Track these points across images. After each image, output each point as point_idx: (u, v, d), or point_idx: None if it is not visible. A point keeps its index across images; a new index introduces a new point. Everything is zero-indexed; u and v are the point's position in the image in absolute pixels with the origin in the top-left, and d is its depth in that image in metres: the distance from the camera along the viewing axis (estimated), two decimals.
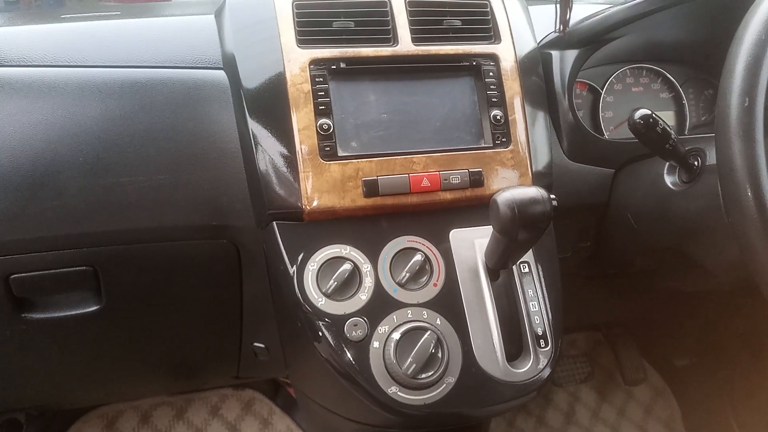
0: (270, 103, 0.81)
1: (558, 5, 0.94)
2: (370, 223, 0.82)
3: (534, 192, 0.69)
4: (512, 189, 0.70)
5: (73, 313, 0.88)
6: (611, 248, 1.04)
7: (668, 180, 0.87)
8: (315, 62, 0.82)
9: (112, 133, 0.80)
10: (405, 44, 0.86)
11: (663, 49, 1.07)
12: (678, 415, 1.70)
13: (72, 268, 0.83)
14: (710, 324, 1.52)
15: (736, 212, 0.60)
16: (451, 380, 0.77)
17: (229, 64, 0.84)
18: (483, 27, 0.90)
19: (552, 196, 0.70)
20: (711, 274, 0.88)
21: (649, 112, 0.76)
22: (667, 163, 0.88)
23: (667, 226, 0.88)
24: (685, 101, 1.09)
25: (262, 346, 1.02)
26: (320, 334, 0.77)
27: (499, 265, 0.80)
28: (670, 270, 1.01)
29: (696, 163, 0.83)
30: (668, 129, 0.77)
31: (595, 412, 1.69)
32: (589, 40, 0.96)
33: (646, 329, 1.72)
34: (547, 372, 0.82)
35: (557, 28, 0.94)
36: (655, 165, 0.90)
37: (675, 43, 1.06)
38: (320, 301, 0.77)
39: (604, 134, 1.04)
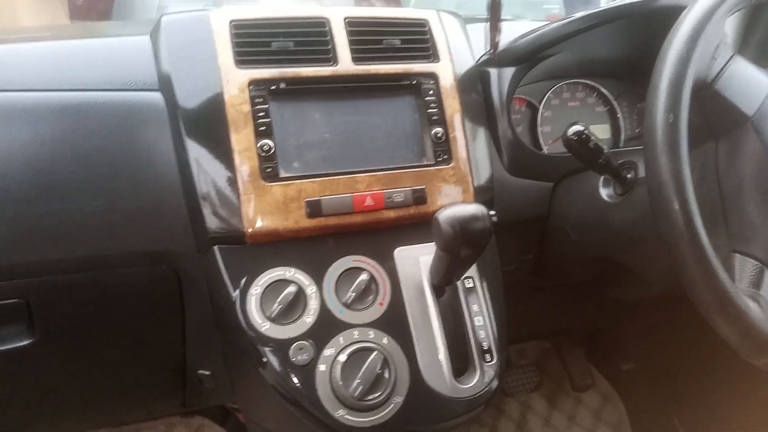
0: (208, 124, 0.79)
1: (488, 27, 0.96)
2: (314, 244, 0.82)
3: (474, 209, 0.70)
4: (453, 207, 0.71)
5: (4, 348, 0.84)
6: (552, 260, 1.06)
7: (603, 192, 0.89)
8: (254, 83, 0.81)
9: (44, 159, 0.76)
10: (345, 64, 0.86)
11: (597, 65, 1.11)
12: (626, 418, 1.75)
13: (1, 302, 0.79)
14: (653, 329, 1.57)
15: (665, 224, 0.62)
16: (398, 400, 0.77)
17: (165, 86, 0.82)
18: (422, 46, 0.91)
19: (492, 212, 0.71)
20: (647, 282, 0.90)
21: (582, 128, 0.78)
22: (603, 176, 0.90)
23: (604, 237, 0.91)
24: (619, 114, 1.12)
25: (207, 373, 0.99)
26: (265, 359, 0.75)
27: (444, 281, 0.81)
28: (609, 279, 1.03)
29: (629, 175, 0.86)
30: (600, 144, 0.79)
31: (546, 419, 1.72)
32: (525, 58, 0.99)
33: (593, 336, 1.76)
34: (494, 385, 0.83)
35: (488, 50, 0.96)
36: (591, 178, 0.92)
37: (608, 59, 1.09)
38: (264, 326, 0.76)
39: (542, 148, 1.07)
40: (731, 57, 0.72)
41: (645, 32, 0.99)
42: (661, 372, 1.62)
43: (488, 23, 0.95)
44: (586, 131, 0.78)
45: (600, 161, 0.80)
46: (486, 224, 0.70)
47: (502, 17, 0.97)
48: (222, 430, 1.45)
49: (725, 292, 0.61)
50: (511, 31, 1.03)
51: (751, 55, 1.26)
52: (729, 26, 1.26)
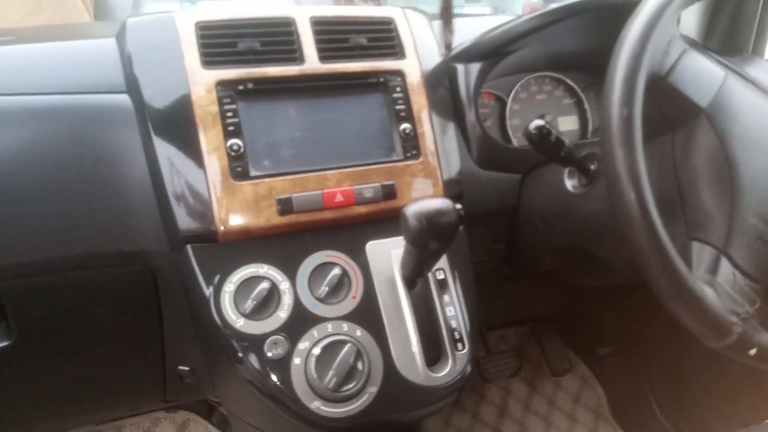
0: (177, 126, 0.80)
1: (442, 30, 0.97)
2: (286, 241, 0.83)
3: (440, 203, 0.72)
4: (420, 201, 0.72)
5: None
6: (523, 249, 1.08)
7: (569, 184, 0.91)
8: (221, 83, 0.82)
9: (13, 163, 0.77)
10: (312, 63, 0.87)
11: (564, 58, 1.12)
12: (604, 401, 1.79)
13: None
14: (627, 313, 1.60)
15: (622, 215, 0.64)
16: (372, 390, 0.79)
17: (132, 88, 0.83)
18: (388, 44, 0.92)
19: (458, 206, 0.73)
20: (613, 270, 0.93)
21: (543, 122, 0.80)
22: (568, 168, 0.92)
23: (570, 227, 0.93)
24: (586, 106, 1.14)
25: (187, 368, 1.01)
26: (240, 355, 0.77)
27: (414, 274, 0.83)
28: (577, 268, 1.06)
29: (593, 167, 0.88)
30: (561, 138, 0.81)
31: (527, 404, 1.76)
32: (491, 53, 1.00)
33: (569, 321, 1.80)
34: (466, 373, 0.85)
35: (441, 51, 0.96)
36: (557, 170, 0.94)
37: (574, 52, 1.11)
38: (239, 322, 0.78)
39: (512, 141, 1.08)
40: (684, 51, 0.74)
41: (608, 25, 1.01)
42: (637, 355, 1.66)
43: (442, 24, 0.96)
44: (547, 125, 0.80)
45: (562, 154, 0.82)
46: (452, 218, 0.72)
47: (461, 12, 0.98)
48: (207, 423, 1.47)
49: (681, 279, 0.63)
50: (487, 26, 1.04)
51: (715, 45, 1.29)
52: (693, 18, 1.29)
